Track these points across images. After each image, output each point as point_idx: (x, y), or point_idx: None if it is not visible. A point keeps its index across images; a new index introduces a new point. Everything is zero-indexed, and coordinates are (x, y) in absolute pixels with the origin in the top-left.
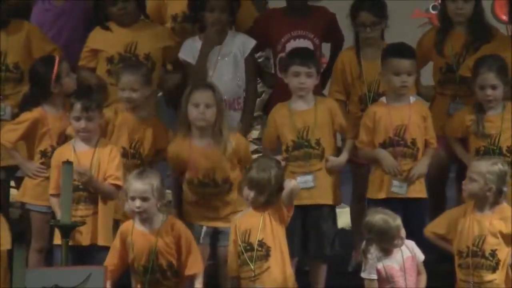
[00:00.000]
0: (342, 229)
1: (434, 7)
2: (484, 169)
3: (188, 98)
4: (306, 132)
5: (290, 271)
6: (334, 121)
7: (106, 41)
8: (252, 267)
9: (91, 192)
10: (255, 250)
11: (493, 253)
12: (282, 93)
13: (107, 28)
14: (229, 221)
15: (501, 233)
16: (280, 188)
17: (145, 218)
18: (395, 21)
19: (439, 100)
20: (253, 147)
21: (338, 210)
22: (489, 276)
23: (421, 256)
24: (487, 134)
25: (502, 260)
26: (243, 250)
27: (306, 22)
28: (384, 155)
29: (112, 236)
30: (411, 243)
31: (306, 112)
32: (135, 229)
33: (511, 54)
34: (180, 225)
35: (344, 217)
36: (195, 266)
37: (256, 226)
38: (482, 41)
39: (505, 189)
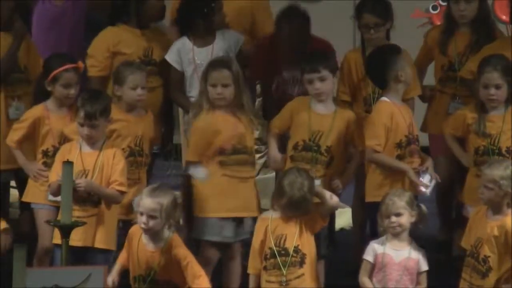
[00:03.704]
0: (342, 229)
1: (434, 7)
2: (497, 176)
3: (206, 78)
4: (319, 137)
5: (320, 279)
6: (348, 132)
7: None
8: (284, 272)
9: (90, 194)
10: (290, 256)
11: (485, 259)
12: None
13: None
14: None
15: (496, 239)
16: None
17: (151, 235)
18: (395, 21)
19: (439, 99)
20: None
21: (338, 210)
22: (478, 281)
23: (424, 266)
24: (488, 133)
25: (495, 269)
26: (277, 254)
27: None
28: (409, 168)
29: (114, 239)
30: (422, 251)
31: (325, 117)
32: (140, 239)
33: None
34: (176, 247)
35: (344, 217)
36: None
37: (293, 232)
38: (486, 41)
39: None
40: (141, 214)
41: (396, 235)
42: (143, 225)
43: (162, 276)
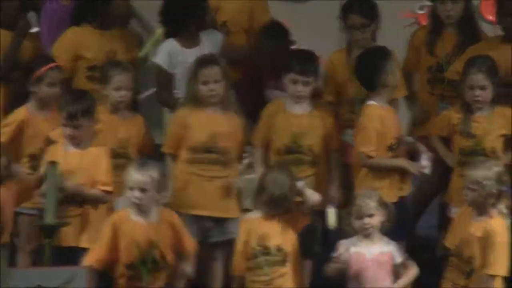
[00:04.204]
0: (328, 230)
1: (421, 7)
2: (480, 176)
3: (196, 76)
4: (299, 137)
5: (305, 278)
6: (326, 131)
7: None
8: (268, 271)
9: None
10: (273, 255)
11: (469, 260)
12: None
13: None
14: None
15: (479, 240)
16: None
17: (143, 209)
18: (382, 21)
19: (427, 100)
20: None
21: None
22: (462, 281)
23: (398, 258)
24: (473, 134)
25: (478, 269)
26: (259, 254)
27: None
28: (406, 161)
29: None
30: (393, 244)
31: (302, 117)
32: (130, 219)
33: (498, 55)
34: (168, 211)
35: (330, 218)
36: (189, 246)
37: (275, 231)
38: (472, 42)
39: (505, 188)
40: (132, 189)
41: (368, 236)
42: (135, 200)
43: (156, 251)
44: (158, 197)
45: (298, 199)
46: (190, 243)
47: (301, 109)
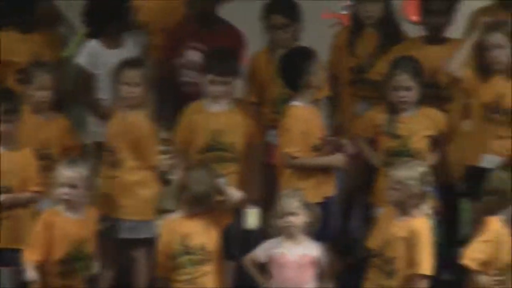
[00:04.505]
0: (251, 230)
1: (344, 8)
2: (403, 176)
3: (119, 77)
4: (220, 135)
5: (228, 278)
6: (247, 129)
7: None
8: (190, 270)
9: None
10: (196, 254)
11: (392, 260)
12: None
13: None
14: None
15: (404, 241)
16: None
17: (72, 206)
18: (305, 21)
19: (349, 101)
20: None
21: (246, 211)
22: (385, 282)
23: (323, 260)
24: (398, 135)
25: (401, 269)
26: (182, 253)
27: (208, 37)
28: (333, 157)
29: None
30: (317, 246)
31: (221, 115)
32: (61, 216)
33: (421, 55)
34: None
35: (252, 218)
36: None
37: (198, 230)
38: (393, 42)
39: (427, 189)
40: (61, 185)
41: (290, 236)
42: (65, 196)
43: (86, 248)
44: (87, 194)
45: (220, 197)
46: None
47: (220, 107)
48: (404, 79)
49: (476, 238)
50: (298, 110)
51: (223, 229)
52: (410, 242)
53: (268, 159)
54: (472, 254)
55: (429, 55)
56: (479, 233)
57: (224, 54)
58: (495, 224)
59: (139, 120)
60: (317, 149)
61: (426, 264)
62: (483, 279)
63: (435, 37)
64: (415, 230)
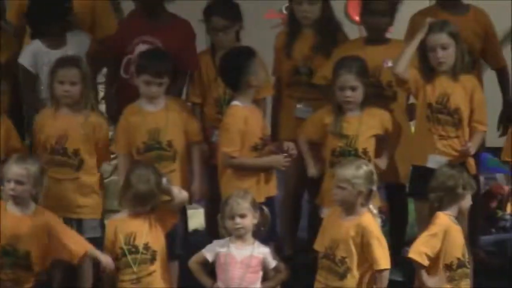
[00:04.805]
0: (196, 230)
1: (287, 8)
2: (349, 175)
3: (54, 75)
4: (157, 134)
5: (173, 278)
6: (183, 122)
7: None
8: (135, 269)
9: None
10: (140, 253)
11: (342, 260)
12: (127, 93)
13: None
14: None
15: (353, 240)
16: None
17: (19, 202)
18: (248, 21)
19: (286, 103)
20: None
21: (191, 211)
22: (336, 283)
23: (272, 263)
24: (344, 134)
25: (353, 269)
26: (127, 252)
27: (158, 30)
28: (271, 158)
29: None
30: (266, 249)
31: (157, 113)
32: (6, 211)
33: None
34: (46, 213)
35: (197, 218)
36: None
37: (143, 229)
38: (330, 43)
39: (374, 188)
40: (9, 181)
41: (239, 237)
42: (11, 191)
43: (24, 246)
44: (36, 191)
45: (165, 197)
46: (75, 247)
47: (155, 107)
48: (349, 79)
49: (423, 233)
50: (238, 110)
51: (168, 229)
52: (361, 240)
53: (213, 160)
54: (419, 248)
55: (371, 55)
56: (426, 228)
57: (158, 55)
58: (443, 218)
59: (99, 121)
60: (257, 149)
61: (383, 259)
62: (425, 276)
63: (376, 37)
64: (364, 228)
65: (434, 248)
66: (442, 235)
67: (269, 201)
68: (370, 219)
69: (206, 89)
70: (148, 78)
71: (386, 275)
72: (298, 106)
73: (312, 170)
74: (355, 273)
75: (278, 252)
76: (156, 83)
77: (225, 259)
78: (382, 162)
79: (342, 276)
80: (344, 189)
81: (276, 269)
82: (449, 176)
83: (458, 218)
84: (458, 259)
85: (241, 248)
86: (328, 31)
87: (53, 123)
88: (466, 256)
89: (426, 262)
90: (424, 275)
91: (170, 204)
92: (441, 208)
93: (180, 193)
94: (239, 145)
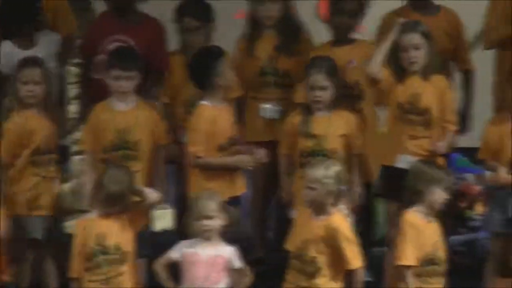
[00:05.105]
0: (164, 230)
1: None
2: (320, 175)
3: (17, 76)
4: (125, 133)
5: (141, 278)
6: (152, 122)
7: None
8: (106, 270)
9: None
10: (111, 254)
11: (313, 260)
12: (99, 93)
13: None
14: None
15: (324, 240)
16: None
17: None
18: (217, 21)
19: (251, 105)
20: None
21: (160, 212)
22: (306, 283)
23: (237, 263)
24: (313, 135)
25: (324, 269)
26: (98, 253)
27: (130, 29)
28: (237, 158)
29: None
30: (231, 249)
31: (127, 113)
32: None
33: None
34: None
35: (166, 218)
36: None
37: (113, 230)
38: (293, 43)
39: (343, 188)
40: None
41: (206, 238)
42: None
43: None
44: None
45: (136, 198)
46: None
47: (126, 105)
48: (319, 79)
49: (399, 236)
50: (205, 110)
51: (139, 229)
52: (331, 240)
53: (183, 160)
54: (406, 253)
55: (337, 55)
56: (400, 230)
57: (127, 50)
58: (409, 215)
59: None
60: (224, 148)
61: (355, 258)
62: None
63: (342, 37)
64: (334, 228)
65: (416, 248)
66: (416, 233)
67: (235, 201)
68: (341, 219)
69: (177, 90)
70: (117, 73)
71: (360, 274)
72: (264, 106)
73: (286, 195)
74: (326, 272)
75: (247, 253)
76: (125, 77)
77: (191, 259)
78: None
79: (313, 276)
80: (314, 190)
81: (240, 272)
82: (415, 172)
83: (431, 214)
84: (427, 255)
85: (207, 248)
86: (291, 31)
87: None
88: (441, 254)
89: (415, 263)
90: (410, 277)
91: (141, 205)
92: (410, 205)
93: (152, 194)
94: (204, 145)
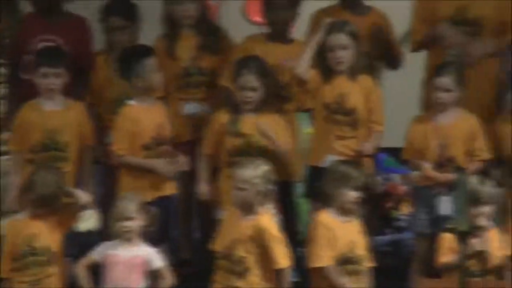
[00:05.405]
0: (90, 231)
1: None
2: (249, 175)
3: None
4: (55, 134)
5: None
6: (80, 123)
7: None
8: (35, 271)
9: None
10: (40, 255)
11: (241, 260)
12: (27, 94)
13: None
14: None
15: (252, 240)
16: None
17: None
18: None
19: (175, 105)
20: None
21: (85, 212)
22: (235, 282)
23: (157, 263)
24: (242, 134)
25: (253, 268)
26: (27, 254)
27: (56, 28)
28: (157, 162)
29: None
30: (151, 250)
31: (56, 113)
32: None
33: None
34: None
35: (91, 219)
36: None
37: (43, 231)
38: (212, 42)
39: (272, 187)
40: None
41: (127, 239)
42: None
43: None
44: None
45: (67, 199)
46: None
47: (54, 105)
48: (250, 79)
49: (311, 238)
50: (129, 110)
51: (68, 231)
52: (259, 240)
53: (107, 160)
54: (318, 254)
55: (272, 52)
56: (312, 232)
57: (54, 48)
58: (321, 216)
59: None
60: (148, 148)
61: (283, 258)
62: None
63: (279, 33)
64: (262, 228)
65: (329, 247)
66: (324, 231)
67: (164, 201)
68: (269, 219)
69: (102, 89)
70: (45, 70)
71: (287, 273)
72: (188, 105)
73: (203, 191)
74: (256, 272)
75: (173, 254)
76: (53, 73)
77: (111, 260)
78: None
79: (242, 276)
80: (244, 190)
81: (160, 274)
82: (327, 173)
83: (345, 214)
84: (343, 254)
85: (127, 249)
86: (210, 30)
87: None
88: (359, 253)
89: (330, 262)
90: (333, 273)
91: (72, 206)
92: (325, 206)
93: (82, 196)
94: (126, 144)
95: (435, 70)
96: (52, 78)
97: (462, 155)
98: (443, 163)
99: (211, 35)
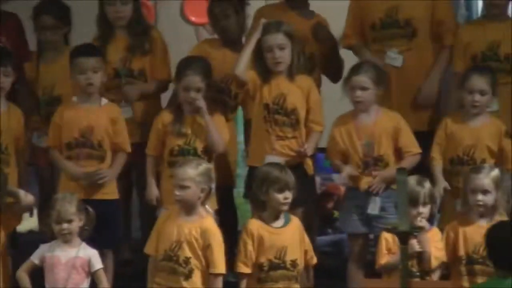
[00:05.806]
0: (31, 231)
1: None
2: (191, 173)
3: None
4: None
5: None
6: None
7: None
8: None
9: None
10: None
11: (187, 261)
12: None
13: None
14: None
15: (196, 241)
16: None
17: None
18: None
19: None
20: None
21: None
22: (180, 283)
23: (97, 265)
24: (184, 133)
25: (198, 269)
26: None
27: None
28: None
29: None
30: (92, 251)
31: (4, 114)
32: None
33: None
34: None
35: (33, 219)
36: None
37: None
38: (143, 43)
39: (212, 185)
40: None
41: (67, 240)
42: None
43: None
44: None
45: (10, 200)
46: None
47: (3, 107)
48: (195, 80)
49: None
50: (66, 106)
51: (10, 231)
52: (203, 242)
53: (36, 161)
54: (242, 259)
55: (227, 57)
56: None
57: (1, 48)
58: (249, 223)
59: None
60: (70, 147)
61: (222, 263)
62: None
63: (232, 42)
64: (206, 230)
65: (251, 253)
66: (250, 238)
67: (105, 204)
68: (211, 221)
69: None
70: None
71: (221, 280)
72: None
73: (151, 196)
74: (198, 273)
75: (117, 256)
76: (2, 72)
77: (50, 262)
78: None
79: (188, 276)
80: (186, 188)
81: (96, 277)
82: (254, 177)
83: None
84: (270, 260)
85: (66, 250)
86: (141, 31)
87: None
88: (292, 258)
89: (249, 270)
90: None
91: (15, 206)
92: (256, 210)
93: (26, 196)
94: (54, 139)
95: (350, 70)
96: (2, 77)
97: (390, 153)
98: (369, 163)
99: (142, 36)
